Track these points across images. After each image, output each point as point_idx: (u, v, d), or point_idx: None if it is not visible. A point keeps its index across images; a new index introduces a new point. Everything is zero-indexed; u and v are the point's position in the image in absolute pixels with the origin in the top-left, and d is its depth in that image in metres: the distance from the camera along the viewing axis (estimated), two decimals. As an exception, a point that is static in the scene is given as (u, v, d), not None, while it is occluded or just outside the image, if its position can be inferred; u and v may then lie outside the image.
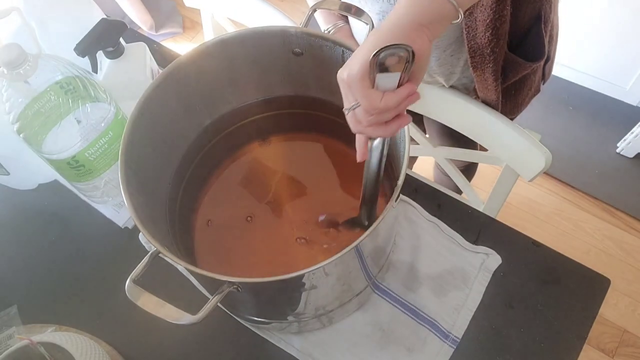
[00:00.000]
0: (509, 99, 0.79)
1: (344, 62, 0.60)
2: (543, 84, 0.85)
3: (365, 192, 0.52)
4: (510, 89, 0.77)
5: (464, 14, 0.62)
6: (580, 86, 1.77)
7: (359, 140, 0.49)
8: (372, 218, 0.55)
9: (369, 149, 0.48)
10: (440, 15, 0.40)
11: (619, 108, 1.74)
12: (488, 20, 0.64)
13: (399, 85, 0.41)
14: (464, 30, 0.67)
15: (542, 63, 0.76)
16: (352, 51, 0.57)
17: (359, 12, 0.62)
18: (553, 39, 0.80)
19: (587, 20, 1.55)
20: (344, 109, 0.45)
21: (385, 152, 0.47)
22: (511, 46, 0.71)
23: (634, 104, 1.71)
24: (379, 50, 0.38)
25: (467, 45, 0.69)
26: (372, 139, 0.47)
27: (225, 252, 0.65)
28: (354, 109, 0.43)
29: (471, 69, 0.73)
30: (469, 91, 0.82)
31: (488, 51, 0.67)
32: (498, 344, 0.65)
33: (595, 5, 1.50)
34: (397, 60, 0.39)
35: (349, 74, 0.41)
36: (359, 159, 0.50)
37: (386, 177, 0.67)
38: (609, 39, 1.57)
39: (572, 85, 1.78)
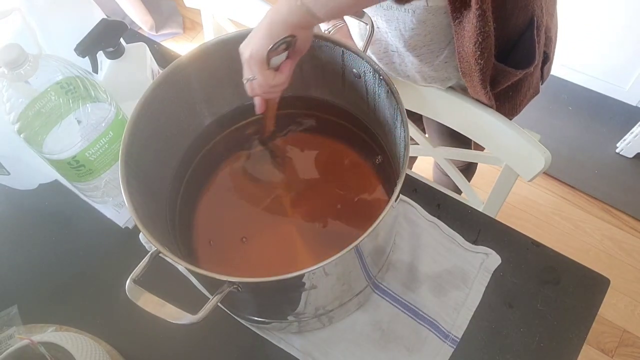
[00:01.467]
0: (506, 100, 0.79)
1: (343, 62, 0.61)
2: (542, 84, 0.85)
3: (266, 128, 0.68)
4: (507, 91, 0.77)
5: (454, 22, 0.63)
6: (580, 86, 1.77)
7: (257, 99, 0.62)
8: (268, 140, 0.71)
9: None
10: (309, 23, 0.52)
11: (619, 108, 1.74)
12: (471, 33, 0.64)
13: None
14: (454, 37, 0.67)
15: (533, 68, 0.75)
16: (352, 51, 0.58)
17: (358, 13, 0.62)
18: (552, 41, 0.79)
19: (586, 20, 1.56)
20: (243, 79, 0.57)
21: (275, 104, 0.63)
22: (502, 53, 0.71)
23: (634, 104, 1.71)
24: (274, 44, 0.51)
25: (457, 51, 0.69)
26: None
27: (225, 252, 0.66)
28: (252, 80, 0.55)
29: (461, 74, 0.73)
30: (467, 92, 0.82)
31: (473, 61, 0.68)
32: (498, 343, 0.66)
33: (594, 5, 1.51)
34: (285, 46, 0.52)
35: (251, 55, 0.53)
36: (258, 111, 0.63)
37: (386, 178, 0.67)
38: (609, 39, 1.57)
39: (572, 85, 1.78)
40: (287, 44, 0.52)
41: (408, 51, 0.73)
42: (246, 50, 0.53)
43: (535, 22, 0.69)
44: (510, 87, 0.76)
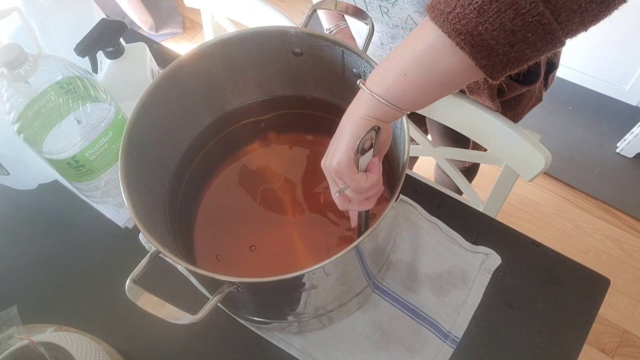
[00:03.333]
0: (508, 109, 0.79)
1: (343, 62, 0.61)
2: (545, 90, 0.84)
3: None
4: (510, 100, 0.77)
5: None
6: (580, 86, 1.77)
7: (352, 213, 0.59)
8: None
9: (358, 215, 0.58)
10: (393, 116, 0.47)
11: (619, 108, 1.74)
12: None
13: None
14: None
15: (538, 83, 0.75)
16: (352, 51, 0.58)
17: (358, 13, 0.62)
18: (558, 51, 0.79)
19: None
20: (332, 193, 0.52)
21: (369, 213, 0.57)
22: None
23: (634, 104, 1.71)
24: (360, 142, 0.47)
25: None
26: None
27: (225, 252, 0.65)
28: (343, 190, 0.50)
29: (467, 92, 0.73)
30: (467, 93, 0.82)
31: (482, 80, 0.68)
32: (498, 344, 0.65)
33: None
34: (370, 142, 0.48)
35: (338, 164, 0.48)
36: (353, 225, 0.59)
37: (386, 177, 0.67)
38: (609, 39, 1.57)
39: (572, 85, 1.78)
40: (372, 138, 0.48)
41: None
42: (332, 161, 0.49)
43: None
44: (513, 98, 0.76)
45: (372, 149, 0.49)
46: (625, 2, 0.38)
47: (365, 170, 0.51)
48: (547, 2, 0.36)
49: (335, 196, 0.52)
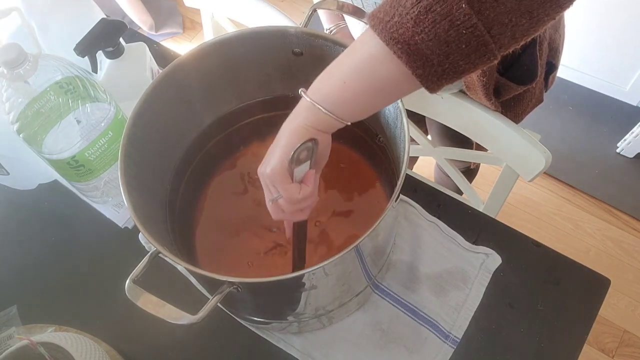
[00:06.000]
0: (508, 110, 0.79)
1: (344, 62, 0.61)
2: (546, 92, 0.84)
3: (295, 253, 0.59)
4: (509, 101, 0.77)
5: None
6: (580, 86, 1.77)
7: (287, 223, 0.57)
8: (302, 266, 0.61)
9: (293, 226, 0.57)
10: (332, 126, 0.47)
11: (619, 108, 1.74)
12: None
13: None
14: None
15: (536, 82, 0.75)
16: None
17: (358, 13, 0.62)
18: (558, 51, 0.78)
19: (587, 21, 1.55)
20: (266, 201, 0.51)
21: (306, 224, 0.56)
22: (505, 66, 0.71)
23: (634, 104, 1.71)
24: (295, 152, 0.46)
25: None
26: None
27: (225, 252, 0.65)
28: (277, 199, 0.50)
29: (465, 88, 0.73)
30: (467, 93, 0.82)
31: (475, 78, 0.68)
32: (498, 344, 0.65)
33: (595, 6, 1.50)
34: (306, 153, 0.47)
35: (272, 171, 0.47)
36: (288, 235, 0.58)
37: (386, 178, 0.67)
38: (609, 39, 1.57)
39: (572, 85, 1.78)
40: (308, 150, 0.47)
41: None
42: (266, 168, 0.48)
43: (538, 39, 0.69)
44: (512, 99, 0.76)
45: (309, 160, 0.49)
46: (554, 19, 0.39)
47: (301, 182, 0.50)
48: (480, 15, 0.36)
49: (268, 204, 0.51)
